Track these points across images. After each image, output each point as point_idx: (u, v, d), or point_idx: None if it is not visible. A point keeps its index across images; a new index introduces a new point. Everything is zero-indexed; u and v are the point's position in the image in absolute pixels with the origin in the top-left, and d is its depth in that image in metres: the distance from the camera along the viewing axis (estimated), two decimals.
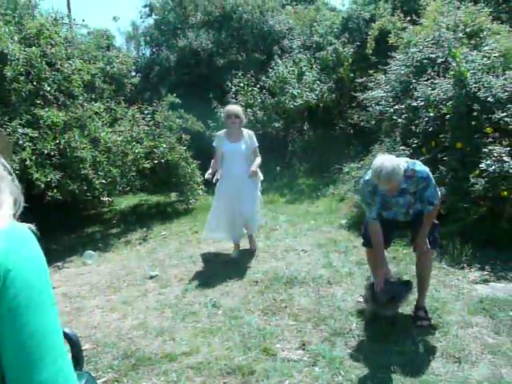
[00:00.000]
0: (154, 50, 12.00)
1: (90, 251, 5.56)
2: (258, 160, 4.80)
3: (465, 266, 4.21)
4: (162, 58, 10.57)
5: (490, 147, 4.42)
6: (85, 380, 2.02)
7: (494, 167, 4.26)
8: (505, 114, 4.58)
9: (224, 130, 4.91)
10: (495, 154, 4.32)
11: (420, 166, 3.05)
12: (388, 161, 2.82)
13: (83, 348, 3.23)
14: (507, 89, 4.77)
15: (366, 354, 2.87)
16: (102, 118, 6.64)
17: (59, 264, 5.41)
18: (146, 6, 12.16)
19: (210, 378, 2.75)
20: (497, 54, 5.42)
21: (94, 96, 7.02)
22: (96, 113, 6.54)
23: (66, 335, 2.16)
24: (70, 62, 6.55)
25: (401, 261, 4.51)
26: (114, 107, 7.00)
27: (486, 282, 3.87)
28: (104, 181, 5.98)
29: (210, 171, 4.78)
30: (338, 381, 2.61)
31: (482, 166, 4.34)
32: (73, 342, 2.17)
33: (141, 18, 12.13)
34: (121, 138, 6.55)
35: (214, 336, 3.28)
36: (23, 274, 0.76)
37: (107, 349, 3.21)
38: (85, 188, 5.82)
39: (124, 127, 6.70)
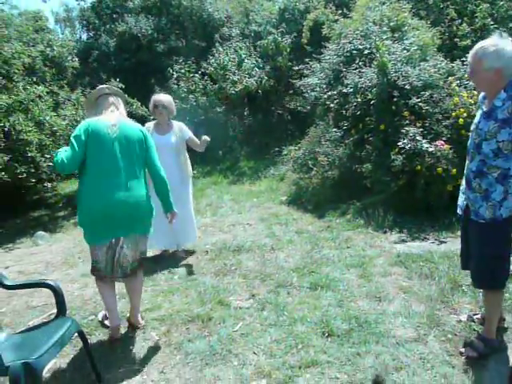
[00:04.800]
0: (90, 34, 11.82)
1: (40, 232, 5.67)
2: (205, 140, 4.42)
3: (387, 230, 4.90)
4: (101, 43, 10.50)
5: (406, 128, 5.12)
6: (69, 323, 2.38)
7: (409, 145, 4.96)
8: (419, 99, 5.32)
9: (153, 122, 4.52)
10: (411, 135, 5.03)
11: None
12: (497, 41, 2.33)
13: (50, 313, 3.51)
14: (421, 78, 5.51)
15: (305, 300, 3.41)
16: (46, 101, 6.64)
17: (10, 245, 5.50)
18: None
19: (174, 326, 3.16)
20: (415, 47, 6.16)
21: (35, 79, 6.97)
22: (39, 96, 6.54)
23: (50, 286, 2.50)
24: (9, 44, 6.48)
25: (334, 228, 5.12)
26: (57, 91, 7.01)
27: (403, 241, 4.57)
28: (51, 163, 6.05)
29: None
30: (283, 320, 3.12)
31: (400, 144, 5.04)
32: (56, 292, 2.52)
33: (76, 0, 11.84)
34: (65, 121, 6.62)
35: (173, 295, 3.67)
36: (149, 137, 3.03)
37: (74, 311, 3.49)
38: (32, 171, 5.88)
39: (69, 111, 6.75)
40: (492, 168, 2.42)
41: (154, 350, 2.91)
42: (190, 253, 4.72)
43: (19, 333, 2.54)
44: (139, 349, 2.94)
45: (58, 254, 5.08)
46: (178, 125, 4.55)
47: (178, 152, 4.46)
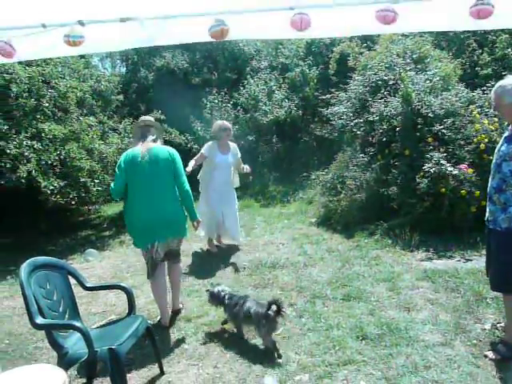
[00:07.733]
0: (129, 68, 12.66)
1: (91, 249, 6.16)
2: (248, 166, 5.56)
3: (414, 249, 5.18)
4: (140, 77, 11.27)
5: (431, 153, 5.46)
6: (141, 319, 2.80)
7: (434, 169, 5.29)
8: (442, 126, 5.67)
9: (215, 142, 5.34)
10: (435, 159, 5.37)
11: None
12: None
13: (110, 318, 3.94)
14: (444, 106, 5.88)
15: (339, 309, 3.74)
16: (95, 131, 7.28)
17: None
18: None
19: (222, 330, 3.53)
20: (438, 78, 6.55)
21: (84, 111, 7.66)
22: (90, 126, 7.19)
23: (123, 288, 2.93)
24: (64, 80, 7.20)
25: (363, 247, 5.44)
26: (106, 121, 7.66)
27: (429, 259, 4.86)
28: (100, 188, 6.62)
29: (190, 167, 4.96)
30: (320, 325, 3.46)
31: (425, 168, 5.37)
32: (129, 294, 2.94)
33: None
34: (112, 149, 7.23)
35: None
36: (176, 157, 3.55)
37: None
38: (83, 194, 6.44)
39: (115, 139, 7.36)
40: (510, 186, 2.77)
41: (206, 349, 3.29)
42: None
43: (96, 328, 2.96)
44: (193, 348, 3.32)
45: (108, 269, 5.55)
46: (233, 146, 5.47)
47: (232, 168, 5.46)
